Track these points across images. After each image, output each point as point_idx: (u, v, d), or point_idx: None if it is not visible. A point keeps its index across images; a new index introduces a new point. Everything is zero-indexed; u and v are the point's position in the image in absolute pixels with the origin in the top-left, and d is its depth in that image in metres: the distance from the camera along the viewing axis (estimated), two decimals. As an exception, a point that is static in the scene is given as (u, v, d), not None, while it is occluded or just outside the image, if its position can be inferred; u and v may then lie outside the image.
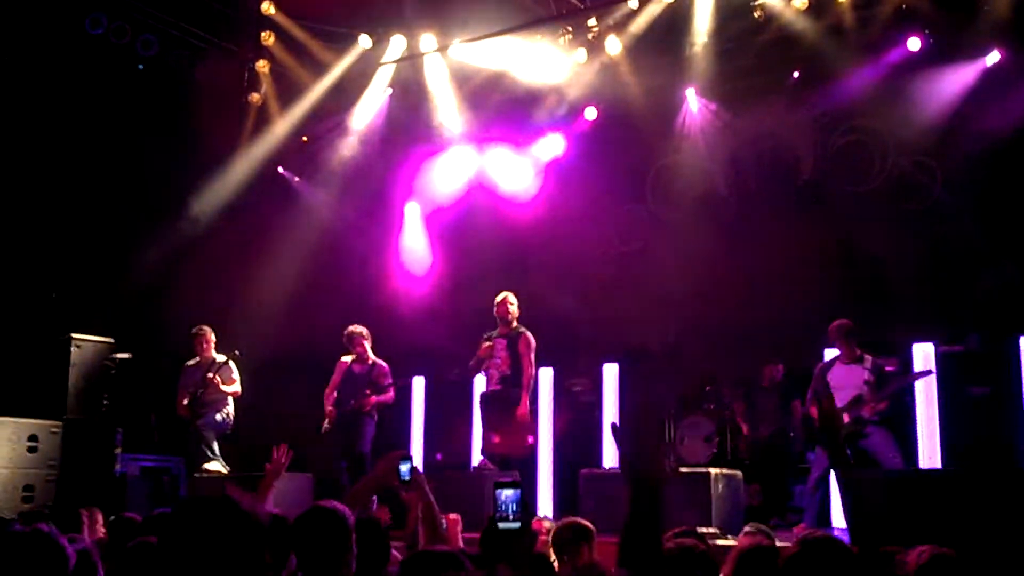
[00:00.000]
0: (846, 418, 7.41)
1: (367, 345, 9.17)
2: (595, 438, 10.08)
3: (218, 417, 9.21)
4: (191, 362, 9.50)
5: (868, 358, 7.56)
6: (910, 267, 9.31)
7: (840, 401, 7.45)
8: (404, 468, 4.34)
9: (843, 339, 7.68)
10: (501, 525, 3.73)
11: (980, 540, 5.79)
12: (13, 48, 9.94)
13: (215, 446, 9.11)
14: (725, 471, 7.66)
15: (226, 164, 11.78)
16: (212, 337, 9.46)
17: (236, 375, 9.38)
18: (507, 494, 3.75)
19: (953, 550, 3.48)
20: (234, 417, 9.36)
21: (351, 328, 9.22)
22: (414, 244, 12.28)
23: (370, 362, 9.16)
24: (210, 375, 9.15)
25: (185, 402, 9.18)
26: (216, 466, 8.92)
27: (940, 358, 8.81)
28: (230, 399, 9.33)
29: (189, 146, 11.30)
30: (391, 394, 9.22)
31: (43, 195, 10.50)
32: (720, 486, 7.26)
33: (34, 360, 9.82)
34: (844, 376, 7.58)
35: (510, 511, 3.72)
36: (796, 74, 10.47)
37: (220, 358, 9.36)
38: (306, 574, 3.44)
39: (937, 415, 8.37)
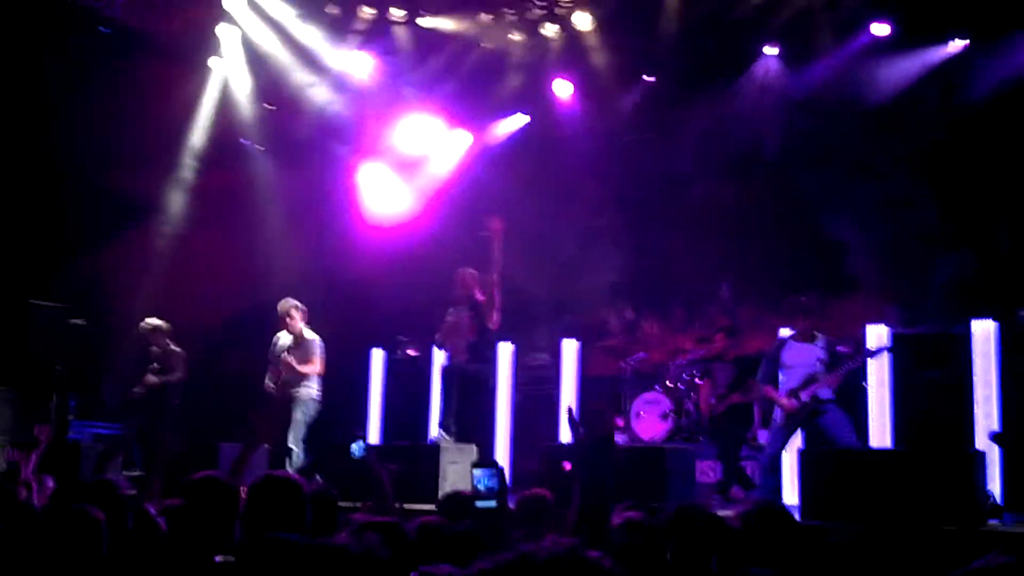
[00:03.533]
0: (804, 396, 7.50)
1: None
2: (554, 413, 10.13)
3: (303, 393, 8.71)
4: (279, 337, 8.94)
5: (821, 336, 7.63)
6: (869, 250, 9.43)
7: (794, 380, 7.53)
8: (356, 447, 4.39)
9: (798, 315, 7.72)
10: (478, 503, 3.79)
11: (924, 517, 5.94)
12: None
13: (302, 429, 8.59)
14: (679, 446, 7.74)
15: (186, 130, 11.64)
16: (296, 312, 8.80)
17: (317, 353, 8.80)
18: (484, 474, 3.81)
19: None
20: (320, 396, 8.84)
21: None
22: (376, 208, 12.18)
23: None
24: (284, 355, 8.72)
25: (268, 379, 8.82)
26: (295, 460, 8.36)
27: (894, 341, 8.94)
28: (313, 377, 8.80)
29: (149, 111, 11.15)
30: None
31: (1, 157, 10.32)
32: (675, 462, 7.33)
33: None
34: (797, 354, 7.64)
35: (487, 490, 3.79)
36: (762, 57, 10.53)
37: (308, 335, 8.81)
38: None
39: (889, 396, 8.49)
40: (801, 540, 3.49)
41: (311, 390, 8.75)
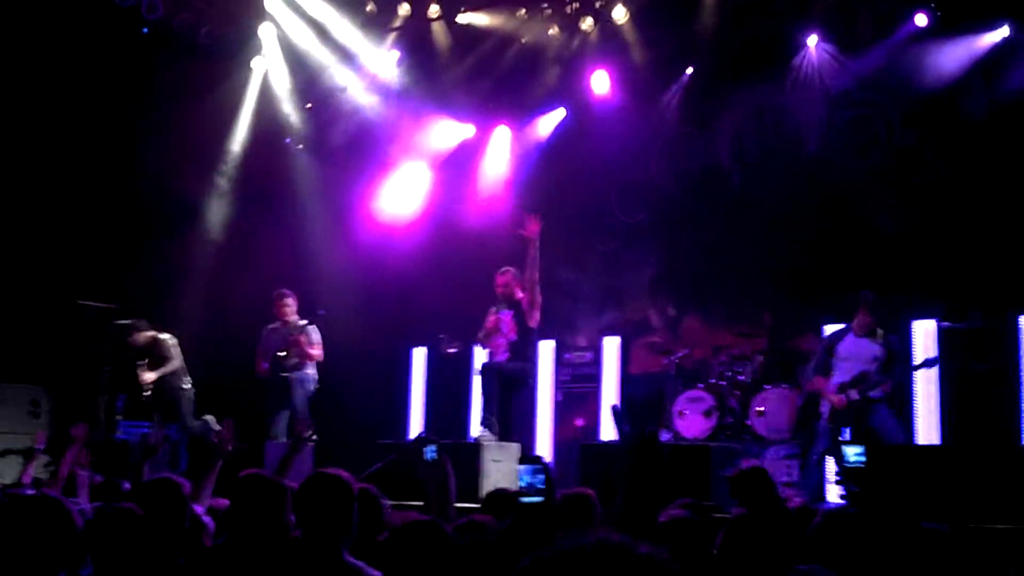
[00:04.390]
0: (854, 394, 7.40)
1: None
2: (594, 411, 10.11)
3: (309, 374, 9.10)
4: (272, 325, 9.31)
5: (882, 333, 7.51)
6: (913, 242, 9.29)
7: (846, 373, 7.44)
8: (428, 450, 4.53)
9: (864, 309, 7.59)
10: (524, 499, 3.81)
11: (976, 514, 5.84)
12: (17, 13, 9.86)
13: (304, 407, 8.95)
14: (724, 445, 7.68)
15: (229, 130, 11.75)
16: (292, 301, 9.25)
17: (319, 339, 9.20)
18: (528, 470, 3.84)
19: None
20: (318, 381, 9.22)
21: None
22: (414, 207, 12.21)
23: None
24: (294, 336, 9.03)
25: (265, 366, 9.08)
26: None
27: (941, 334, 8.82)
28: (313, 363, 9.20)
29: (193, 111, 11.27)
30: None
31: (49, 160, 10.47)
32: (719, 460, 7.27)
33: (37, 325, 9.84)
34: (855, 348, 7.54)
35: (531, 486, 3.81)
36: (802, 48, 10.42)
37: (302, 322, 9.18)
38: (309, 538, 3.52)
39: (936, 391, 8.38)
40: (864, 540, 3.46)
41: (311, 371, 9.16)
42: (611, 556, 1.62)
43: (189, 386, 9.59)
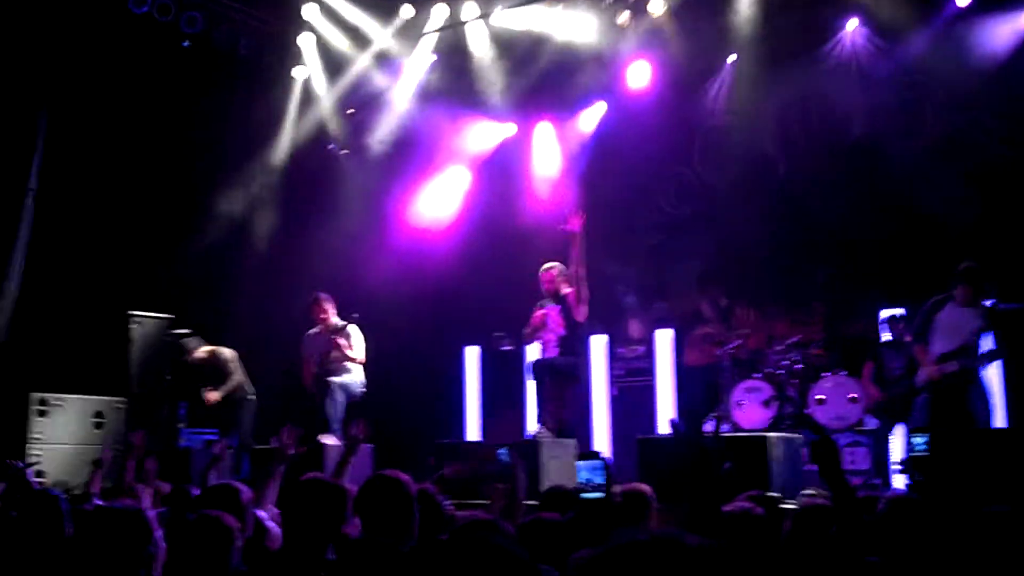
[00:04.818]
0: (952, 366, 7.31)
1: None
2: (649, 405, 10.06)
3: (350, 379, 9.02)
4: (313, 330, 9.23)
5: (983, 303, 7.40)
6: (967, 226, 9.13)
7: (946, 344, 7.35)
8: (502, 451, 4.62)
9: (964, 280, 7.46)
10: (584, 495, 3.83)
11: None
12: (60, 30, 10.03)
13: (341, 412, 8.82)
14: (784, 435, 7.60)
15: (274, 139, 11.87)
16: (329, 305, 9.20)
17: (360, 340, 9.11)
18: (588, 466, 3.85)
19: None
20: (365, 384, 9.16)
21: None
22: (460, 206, 12.23)
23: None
24: (334, 339, 8.99)
25: (315, 370, 9.05)
26: (332, 440, 8.52)
27: (997, 317, 8.65)
28: (358, 365, 9.12)
29: (235, 123, 11.41)
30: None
31: (98, 174, 10.64)
32: (779, 450, 7.20)
33: (97, 337, 10.01)
34: (956, 318, 7.44)
35: (590, 482, 3.83)
36: (845, 31, 10.29)
37: (341, 324, 9.12)
38: (370, 540, 3.54)
39: (1000, 372, 8.24)
40: (928, 528, 3.41)
41: (354, 374, 9.05)
42: (663, 550, 1.67)
43: (253, 396, 9.66)
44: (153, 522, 3.22)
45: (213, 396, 9.40)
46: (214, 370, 9.52)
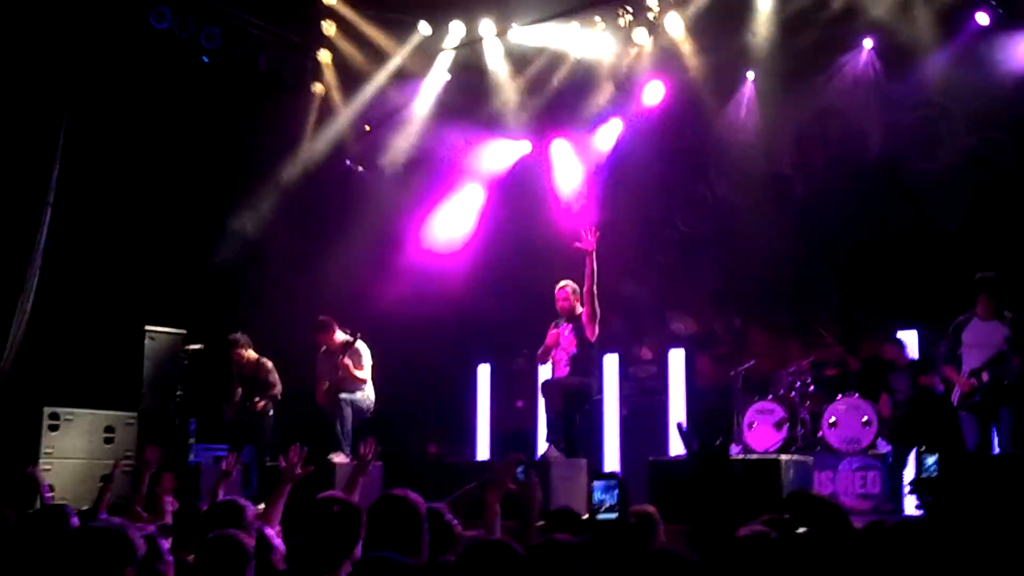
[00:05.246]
0: (985, 377, 7.22)
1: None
2: (661, 425, 10.00)
3: (359, 396, 9.05)
4: (324, 349, 9.27)
5: (1009, 314, 7.31)
6: (984, 245, 9.06)
7: (976, 360, 7.27)
8: (518, 470, 4.60)
9: (983, 293, 7.37)
10: (599, 516, 3.81)
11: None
12: (80, 45, 10.10)
13: (349, 428, 8.84)
14: (796, 457, 7.54)
15: (293, 155, 11.92)
16: (328, 328, 9.19)
17: (367, 359, 9.14)
18: (602, 486, 3.84)
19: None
20: (374, 401, 9.16)
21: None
22: (472, 226, 12.23)
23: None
24: (340, 359, 8.99)
25: (325, 388, 9.05)
26: (342, 458, 8.50)
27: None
28: (368, 383, 9.15)
29: (253, 138, 11.46)
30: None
31: (115, 188, 10.69)
32: (790, 473, 7.14)
33: (108, 352, 10.03)
34: (981, 333, 7.35)
35: (601, 503, 3.81)
36: (863, 50, 10.26)
37: (349, 339, 9.12)
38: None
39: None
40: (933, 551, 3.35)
41: (363, 392, 9.04)
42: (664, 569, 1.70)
43: (272, 412, 9.66)
44: (137, 541, 3.22)
45: (261, 404, 9.40)
46: (254, 378, 9.50)
